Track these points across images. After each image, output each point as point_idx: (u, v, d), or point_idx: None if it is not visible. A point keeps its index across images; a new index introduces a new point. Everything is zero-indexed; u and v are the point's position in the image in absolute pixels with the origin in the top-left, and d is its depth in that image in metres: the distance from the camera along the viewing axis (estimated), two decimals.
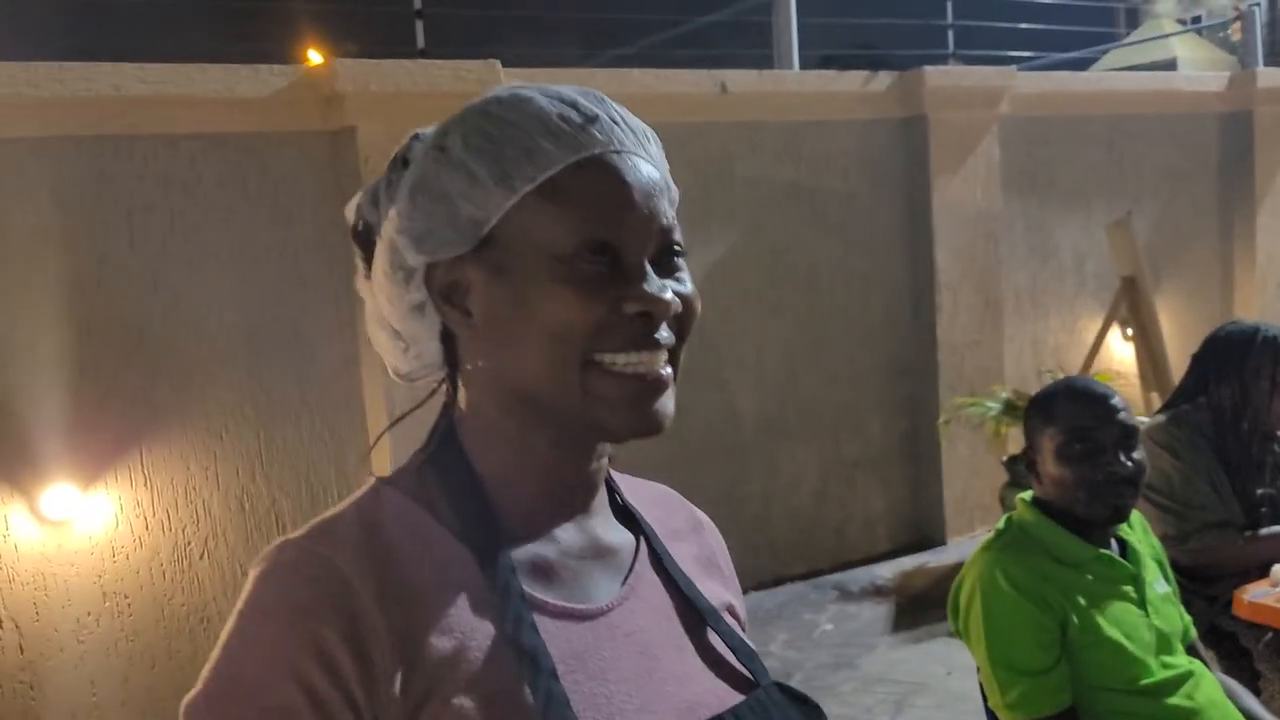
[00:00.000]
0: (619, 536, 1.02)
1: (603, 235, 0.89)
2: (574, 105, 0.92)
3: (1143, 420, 2.72)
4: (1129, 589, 2.24)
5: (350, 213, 1.01)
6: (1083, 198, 6.25)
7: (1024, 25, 8.36)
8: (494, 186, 0.90)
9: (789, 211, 5.36)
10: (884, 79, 5.55)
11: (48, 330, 3.81)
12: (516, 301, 0.90)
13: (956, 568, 2.36)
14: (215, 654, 0.85)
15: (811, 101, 5.41)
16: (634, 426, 0.91)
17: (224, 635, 0.86)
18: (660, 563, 1.04)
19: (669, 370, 0.93)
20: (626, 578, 0.99)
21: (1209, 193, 6.81)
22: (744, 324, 5.25)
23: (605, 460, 1.00)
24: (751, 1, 7.91)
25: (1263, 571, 2.79)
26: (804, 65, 5.80)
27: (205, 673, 0.85)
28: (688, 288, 0.95)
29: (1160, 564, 2.40)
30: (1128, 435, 2.24)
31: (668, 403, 0.92)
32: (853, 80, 5.52)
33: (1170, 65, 15.76)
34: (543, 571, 0.94)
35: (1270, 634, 2.84)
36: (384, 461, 3.00)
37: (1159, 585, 2.32)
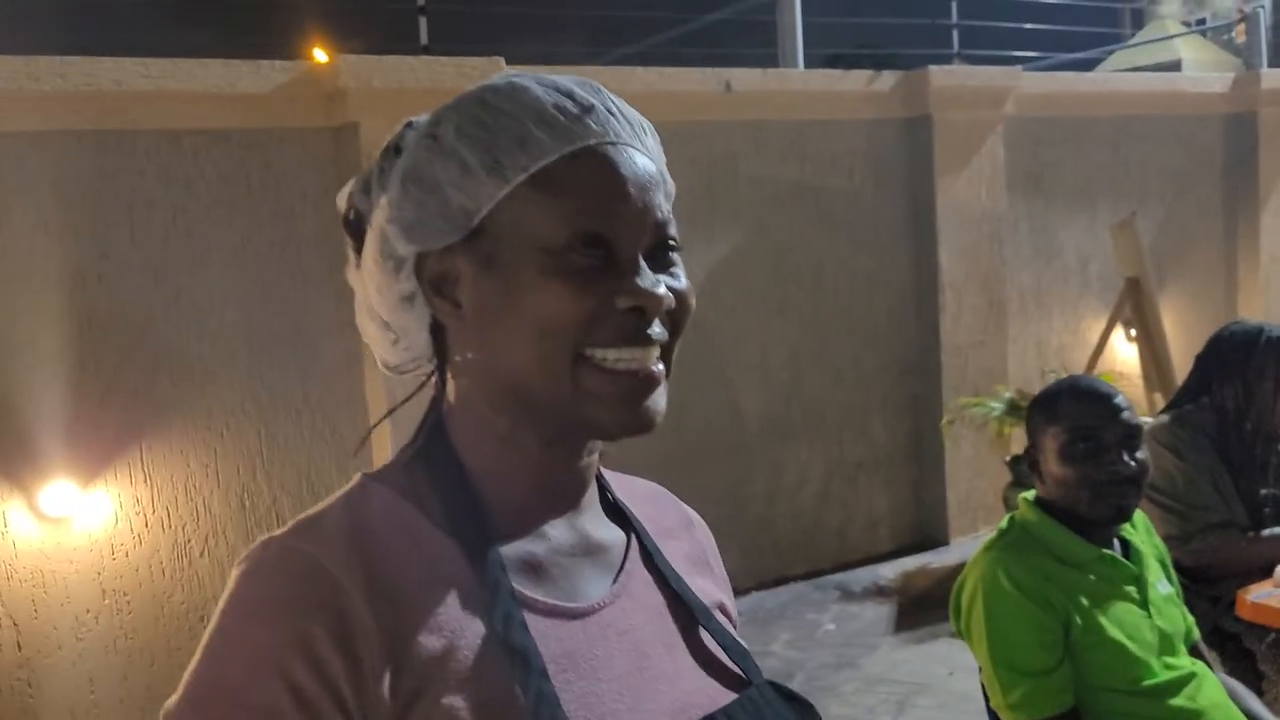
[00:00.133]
0: (610, 534, 1.00)
1: (595, 227, 0.88)
2: (570, 95, 0.91)
3: (1146, 420, 2.71)
4: (1131, 589, 2.23)
5: (341, 201, 1.00)
6: (1087, 198, 6.24)
7: (1029, 25, 8.36)
8: (485, 176, 0.89)
9: (793, 211, 5.35)
10: (889, 78, 5.54)
11: (48, 326, 3.80)
12: (506, 293, 0.88)
13: (959, 568, 2.35)
14: (196, 656, 0.83)
15: (816, 101, 5.41)
16: (625, 423, 0.89)
17: (206, 636, 0.83)
18: (651, 560, 1.02)
19: (661, 367, 0.91)
20: (617, 576, 0.98)
21: (1213, 194, 6.80)
22: (748, 323, 5.24)
23: (596, 456, 0.99)
24: (757, 0, 7.90)
25: (1266, 572, 2.78)
26: (809, 64, 5.79)
27: (186, 676, 0.82)
28: (682, 283, 0.92)
29: (1163, 564, 2.39)
30: (1131, 435, 2.22)
31: (659, 400, 0.90)
32: (858, 80, 5.51)
33: (1175, 66, 15.77)
34: (533, 569, 0.92)
35: (1274, 635, 2.83)
36: (385, 457, 2.99)
37: (1162, 586, 2.30)
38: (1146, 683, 2.14)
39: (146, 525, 3.97)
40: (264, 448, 4.17)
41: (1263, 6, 7.44)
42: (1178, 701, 2.14)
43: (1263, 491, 3.00)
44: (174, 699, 0.82)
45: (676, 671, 0.96)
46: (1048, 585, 2.16)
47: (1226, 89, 6.79)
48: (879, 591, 5.17)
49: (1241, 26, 8.32)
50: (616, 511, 1.04)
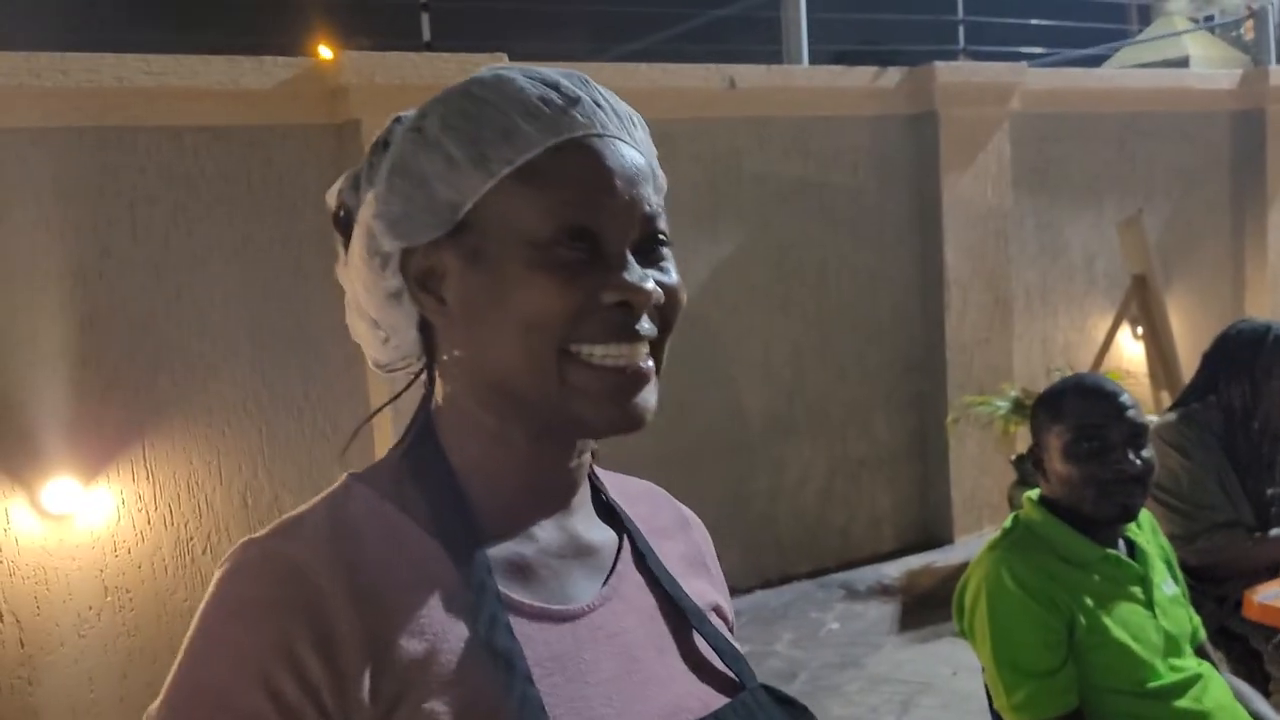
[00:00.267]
0: (601, 535, 0.98)
1: (582, 221, 0.86)
2: (556, 87, 0.89)
3: (1152, 419, 2.69)
4: (1137, 590, 2.21)
5: (331, 198, 0.99)
6: (1094, 195, 6.22)
7: (1035, 21, 8.32)
8: (470, 169, 0.87)
9: (797, 207, 5.33)
10: (894, 74, 5.52)
11: (49, 323, 3.80)
12: (492, 288, 0.86)
13: (964, 567, 2.33)
14: (178, 660, 0.82)
15: (820, 97, 5.39)
16: (613, 421, 0.87)
17: (187, 638, 0.82)
18: (644, 562, 1.00)
19: (650, 363, 0.89)
20: (608, 578, 0.96)
21: (1220, 191, 6.78)
22: (751, 320, 5.23)
23: (587, 457, 0.97)
24: None
25: (1273, 572, 2.76)
26: (814, 61, 5.77)
27: (168, 679, 0.81)
28: (671, 278, 0.90)
29: (1169, 565, 2.37)
30: (1137, 433, 2.20)
31: (649, 397, 0.88)
32: (862, 75, 5.49)
33: (1182, 63, 15.72)
34: (521, 571, 0.90)
35: None
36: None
37: (1167, 586, 2.28)
38: (1151, 684, 2.12)
39: (149, 522, 3.97)
40: (266, 445, 4.17)
41: (1271, 3, 7.41)
42: (1183, 703, 2.12)
43: (1269, 491, 2.98)
44: (156, 703, 0.81)
45: (667, 675, 0.94)
46: (1052, 585, 2.14)
47: (1234, 86, 6.76)
48: (883, 591, 5.16)
49: (1250, 23, 8.30)
50: (610, 512, 1.02)
